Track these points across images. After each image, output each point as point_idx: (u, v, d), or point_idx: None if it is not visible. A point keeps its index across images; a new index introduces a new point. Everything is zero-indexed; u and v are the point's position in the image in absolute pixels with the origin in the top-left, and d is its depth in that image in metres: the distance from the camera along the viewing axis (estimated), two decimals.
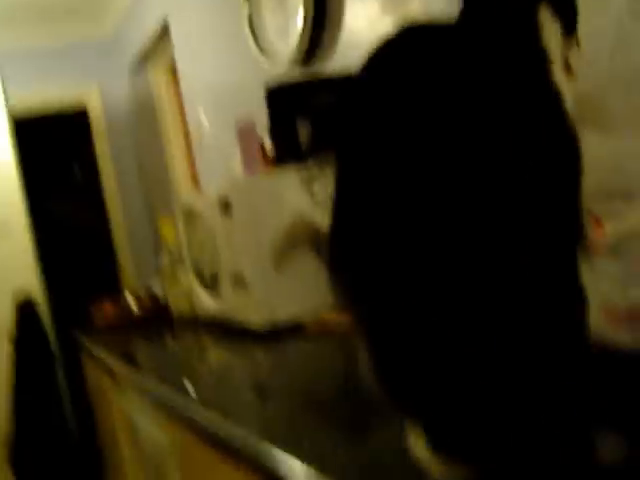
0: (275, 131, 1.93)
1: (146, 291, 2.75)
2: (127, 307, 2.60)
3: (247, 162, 1.77)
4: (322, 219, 1.57)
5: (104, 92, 4.94)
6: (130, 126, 5.00)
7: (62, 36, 4.82)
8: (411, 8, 1.79)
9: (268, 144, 1.81)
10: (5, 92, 3.90)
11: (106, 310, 2.64)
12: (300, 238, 1.64)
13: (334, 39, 2.17)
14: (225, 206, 1.74)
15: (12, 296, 3.78)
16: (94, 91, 4.93)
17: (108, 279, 4.90)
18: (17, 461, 3.61)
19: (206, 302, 1.97)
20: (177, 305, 2.33)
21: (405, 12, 1.83)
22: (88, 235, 5.16)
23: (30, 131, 5.29)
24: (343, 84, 2.01)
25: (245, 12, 2.60)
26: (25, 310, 3.78)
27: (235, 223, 1.70)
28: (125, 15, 4.58)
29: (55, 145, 5.37)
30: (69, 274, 5.02)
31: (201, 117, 3.55)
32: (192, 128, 3.73)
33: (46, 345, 3.82)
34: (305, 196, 1.60)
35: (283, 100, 1.95)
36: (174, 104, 4.44)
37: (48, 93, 4.79)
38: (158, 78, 4.51)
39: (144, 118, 4.79)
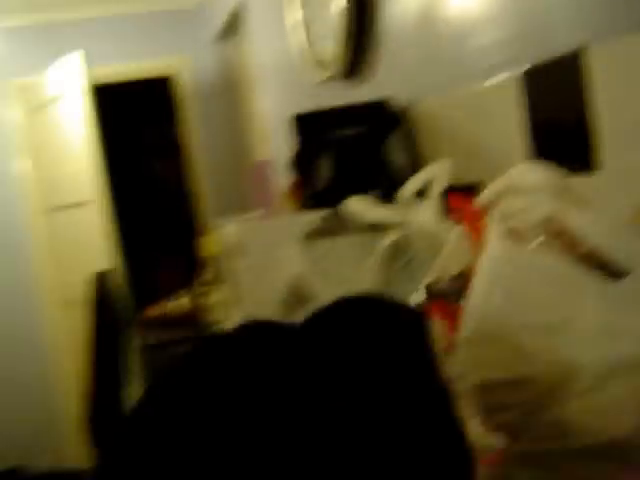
0: (298, 160, 1.90)
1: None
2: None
3: (261, 201, 1.76)
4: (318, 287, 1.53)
5: (189, 60, 4.99)
6: (215, 94, 5.04)
7: (147, 5, 4.88)
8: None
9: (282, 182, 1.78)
10: (87, 62, 4.01)
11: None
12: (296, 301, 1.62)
13: (375, 57, 2.09)
14: (238, 248, 1.74)
15: (91, 267, 3.96)
16: (179, 59, 4.98)
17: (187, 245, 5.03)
18: (95, 423, 3.83)
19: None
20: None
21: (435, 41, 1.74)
22: (171, 203, 5.31)
23: (115, 99, 5.46)
24: (371, 114, 1.94)
25: (300, 16, 2.54)
26: (102, 279, 3.95)
27: (247, 267, 1.70)
28: None
29: (139, 113, 5.52)
30: (147, 245, 5.20)
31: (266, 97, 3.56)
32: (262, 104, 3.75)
33: (121, 312, 3.98)
34: (306, 258, 1.56)
35: (309, 129, 1.91)
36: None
37: (133, 62, 4.87)
38: (242, 48, 4.50)
39: (228, 86, 4.83)
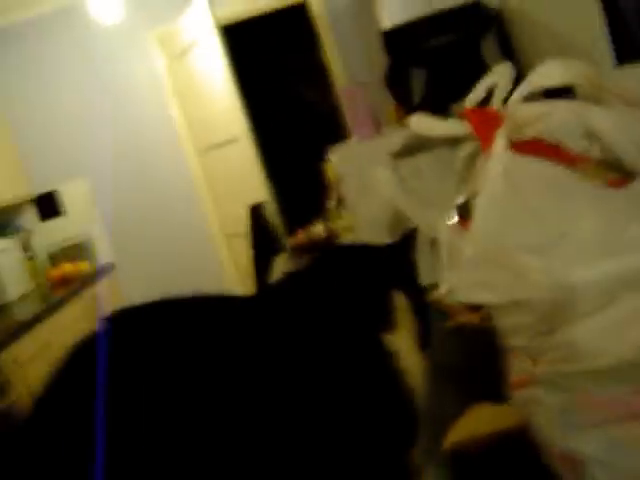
0: (390, 79, 1.88)
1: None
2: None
3: (356, 125, 1.77)
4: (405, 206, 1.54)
5: None
6: (351, 14, 4.98)
7: None
8: None
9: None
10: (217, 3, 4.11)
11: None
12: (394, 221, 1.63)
13: None
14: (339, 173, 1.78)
15: (245, 200, 4.17)
16: None
17: None
18: None
19: None
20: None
21: None
22: (319, 126, 5.38)
23: (256, 32, 5.54)
24: (464, 18, 1.86)
25: None
26: (257, 211, 4.15)
27: (348, 191, 1.74)
28: None
29: (281, 42, 5.58)
30: (295, 175, 5.32)
31: None
32: None
33: (274, 240, 4.17)
34: (392, 177, 1.57)
35: (400, 43, 1.87)
36: None
37: None
38: None
39: (363, 5, 4.75)
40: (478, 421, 0.98)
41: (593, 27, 1.34)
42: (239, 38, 5.03)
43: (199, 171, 4.90)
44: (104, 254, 4.81)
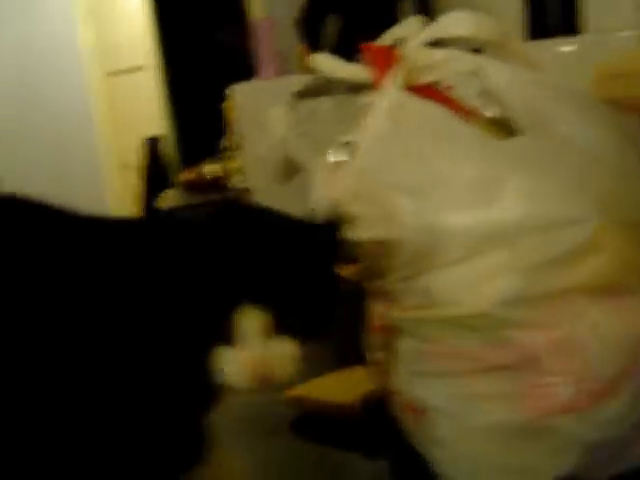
0: (304, 21, 1.82)
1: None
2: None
3: (262, 62, 1.71)
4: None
5: None
6: None
7: None
8: None
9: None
10: None
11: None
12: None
13: None
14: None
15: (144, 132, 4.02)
16: None
17: None
18: None
19: None
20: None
21: None
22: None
23: None
24: None
25: None
26: (152, 144, 4.02)
27: (246, 130, 1.69)
28: None
29: None
30: (198, 110, 5.19)
31: None
32: None
33: (167, 176, 4.05)
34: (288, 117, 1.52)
35: None
36: None
37: None
38: None
39: None
40: (329, 386, 0.98)
41: (511, 1, 1.34)
42: None
43: (99, 96, 4.69)
44: None
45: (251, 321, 0.62)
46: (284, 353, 0.64)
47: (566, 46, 1.11)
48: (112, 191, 4.81)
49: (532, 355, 0.65)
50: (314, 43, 1.77)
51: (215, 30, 5.88)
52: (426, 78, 0.82)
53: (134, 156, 4.07)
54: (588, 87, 0.89)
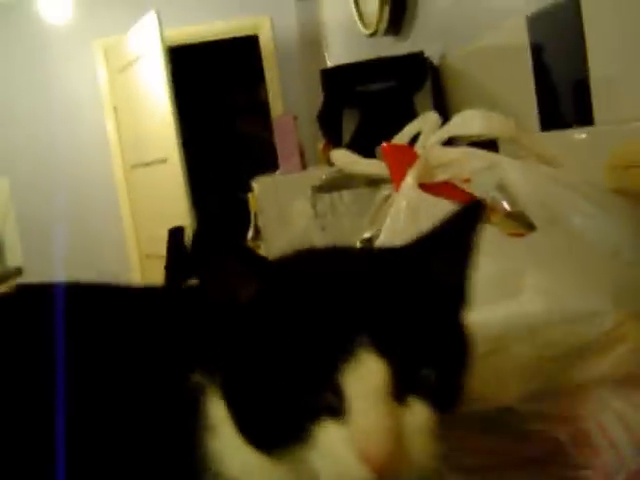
0: (323, 116, 1.88)
1: None
2: None
3: (283, 157, 1.76)
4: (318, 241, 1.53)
5: (270, 20, 5.00)
6: (297, 52, 5.04)
7: None
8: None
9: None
10: (168, 22, 4.09)
11: None
12: None
13: (412, 13, 2.04)
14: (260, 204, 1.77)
15: (168, 222, 4.10)
16: (263, 18, 5.00)
17: None
18: None
19: None
20: None
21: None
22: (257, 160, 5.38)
23: (205, 59, 5.54)
24: (403, 68, 1.89)
25: None
26: (176, 234, 4.08)
27: (267, 221, 1.72)
28: None
29: (228, 72, 5.59)
30: (220, 203, 5.29)
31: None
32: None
33: (190, 266, 4.10)
34: (310, 210, 1.56)
35: (336, 83, 1.89)
36: None
37: (218, 21, 4.91)
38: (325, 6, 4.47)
39: (310, 44, 4.82)
40: None
41: (524, 93, 1.38)
42: (187, 60, 5.01)
43: (125, 187, 4.81)
44: (13, 257, 4.63)
45: (363, 380, 0.45)
46: (417, 425, 0.46)
47: (580, 135, 1.14)
48: (135, 279, 4.86)
49: (559, 448, 0.65)
50: (334, 137, 1.82)
51: (238, 123, 6.07)
52: (443, 175, 0.84)
53: (158, 246, 4.14)
54: (602, 177, 0.91)
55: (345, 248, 0.63)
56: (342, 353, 0.45)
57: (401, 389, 0.46)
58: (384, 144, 0.95)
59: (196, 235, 0.51)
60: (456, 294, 0.58)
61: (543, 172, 0.84)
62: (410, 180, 0.79)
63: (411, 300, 0.50)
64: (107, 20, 4.73)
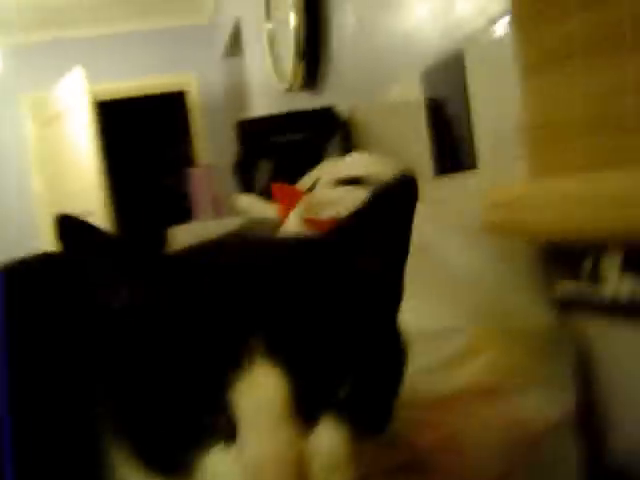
0: (238, 166, 1.96)
1: None
2: None
3: (198, 206, 1.82)
4: None
5: (197, 77, 5.10)
6: (222, 109, 5.14)
7: (160, 23, 5.01)
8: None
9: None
10: (95, 78, 4.14)
11: None
12: None
13: (325, 69, 2.15)
14: None
15: None
16: (190, 75, 5.10)
17: None
18: None
19: None
20: None
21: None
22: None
23: (131, 114, 5.60)
24: (314, 120, 1.99)
25: (267, 27, 2.61)
26: None
27: None
28: (217, 3, 4.70)
29: (151, 125, 5.66)
30: None
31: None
32: None
33: None
34: None
35: (251, 134, 1.97)
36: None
37: (144, 78, 4.99)
38: (244, 63, 4.60)
39: (235, 101, 4.93)
40: None
41: (420, 142, 1.47)
42: (118, 114, 5.05)
43: (51, 240, 4.77)
44: None
45: (254, 397, 0.37)
46: (326, 451, 0.39)
47: (465, 179, 1.23)
48: None
49: (421, 455, 0.71)
50: (247, 187, 1.88)
51: (163, 176, 6.11)
52: (330, 212, 0.92)
53: None
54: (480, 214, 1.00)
55: (257, 238, 0.56)
56: (233, 364, 0.37)
57: (309, 407, 0.38)
58: (275, 184, 1.02)
59: (59, 227, 0.44)
60: (386, 290, 0.49)
61: (420, 211, 0.92)
62: (293, 217, 0.86)
63: (322, 298, 0.42)
64: (34, 75, 4.75)
